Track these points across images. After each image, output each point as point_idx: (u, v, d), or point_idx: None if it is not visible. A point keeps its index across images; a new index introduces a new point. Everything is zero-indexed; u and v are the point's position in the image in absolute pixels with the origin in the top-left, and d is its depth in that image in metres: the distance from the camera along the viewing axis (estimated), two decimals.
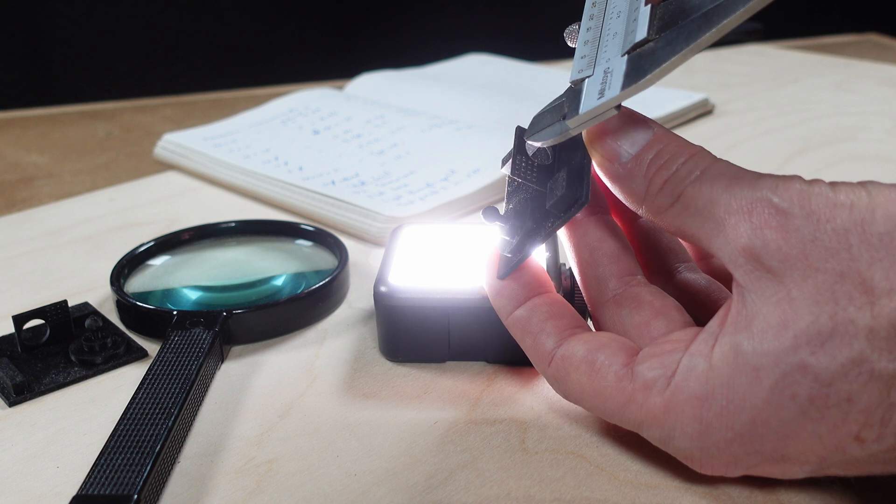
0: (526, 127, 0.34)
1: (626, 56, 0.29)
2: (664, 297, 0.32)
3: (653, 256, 0.36)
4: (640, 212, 0.31)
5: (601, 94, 0.29)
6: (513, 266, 0.33)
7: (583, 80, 0.31)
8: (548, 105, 0.33)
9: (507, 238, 0.34)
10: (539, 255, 0.34)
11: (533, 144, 0.33)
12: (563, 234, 0.34)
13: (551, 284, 0.34)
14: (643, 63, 0.29)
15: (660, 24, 0.29)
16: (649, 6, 0.30)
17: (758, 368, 0.26)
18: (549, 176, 0.33)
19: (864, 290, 0.25)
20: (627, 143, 0.30)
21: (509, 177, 0.35)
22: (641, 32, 0.29)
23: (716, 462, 0.29)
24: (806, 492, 0.30)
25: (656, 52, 0.28)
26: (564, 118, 0.31)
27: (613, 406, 0.30)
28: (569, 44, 0.33)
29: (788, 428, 0.27)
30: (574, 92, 0.31)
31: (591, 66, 0.31)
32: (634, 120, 0.31)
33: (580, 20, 0.33)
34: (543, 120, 0.32)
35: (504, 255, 0.34)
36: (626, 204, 0.31)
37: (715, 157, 0.30)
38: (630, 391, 0.29)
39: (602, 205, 0.34)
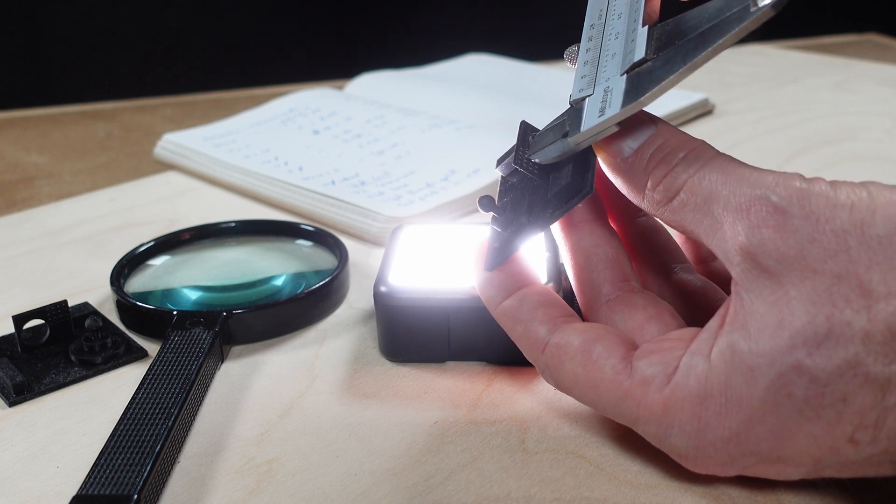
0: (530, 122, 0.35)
1: (626, 75, 0.30)
2: (658, 303, 0.32)
3: (649, 257, 0.36)
4: (641, 206, 0.31)
5: (602, 111, 0.30)
6: (502, 259, 0.33)
7: (583, 98, 0.32)
8: (548, 124, 0.34)
9: (499, 230, 0.34)
10: (528, 252, 0.34)
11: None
12: (559, 238, 0.35)
13: (539, 278, 0.34)
14: (642, 82, 0.29)
15: (657, 44, 0.30)
16: (647, 27, 0.30)
17: (753, 368, 0.26)
18: (550, 170, 0.34)
19: (862, 292, 0.25)
20: (630, 137, 0.31)
21: (503, 177, 0.35)
22: (640, 52, 0.30)
23: (711, 462, 0.29)
24: (806, 492, 0.30)
25: (654, 71, 0.29)
26: (566, 136, 0.32)
27: (609, 399, 0.30)
28: (569, 64, 0.34)
29: (784, 427, 0.27)
30: (575, 111, 0.32)
31: (591, 85, 0.32)
32: (638, 116, 0.31)
33: (579, 41, 0.34)
34: (545, 138, 0.33)
35: (493, 246, 0.34)
36: (629, 198, 0.31)
37: (717, 151, 0.30)
38: (627, 386, 0.29)
39: (599, 211, 0.34)
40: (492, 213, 0.34)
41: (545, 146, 0.33)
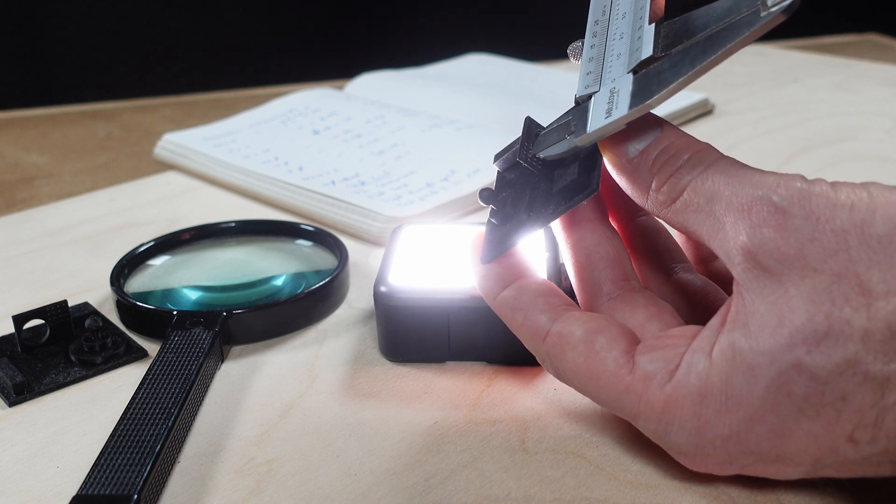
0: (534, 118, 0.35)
1: (633, 75, 0.30)
2: (658, 302, 0.32)
3: (649, 257, 0.36)
4: (645, 206, 0.31)
5: (608, 113, 0.30)
6: (498, 252, 0.33)
7: (589, 96, 0.32)
8: (554, 122, 0.34)
9: (496, 223, 0.34)
10: (525, 246, 0.34)
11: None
12: (560, 236, 0.35)
13: (536, 270, 0.34)
14: (650, 83, 0.29)
15: (664, 42, 0.30)
16: (653, 24, 0.30)
17: (754, 366, 0.27)
18: (554, 166, 0.34)
19: (861, 291, 0.25)
20: (636, 138, 0.31)
21: (499, 173, 0.35)
22: (647, 50, 0.30)
23: (710, 460, 0.29)
24: (806, 492, 0.30)
25: (662, 73, 0.29)
26: (571, 135, 0.32)
27: (609, 392, 0.30)
28: (573, 60, 0.34)
29: (784, 426, 0.27)
30: (581, 109, 0.32)
31: (596, 81, 0.32)
32: (644, 118, 0.31)
33: (582, 37, 0.34)
34: (550, 137, 0.33)
35: (490, 240, 0.34)
36: (633, 198, 0.31)
37: (721, 154, 0.30)
38: (629, 381, 0.29)
39: (601, 210, 0.35)
40: (491, 206, 0.34)
41: (551, 145, 0.33)
